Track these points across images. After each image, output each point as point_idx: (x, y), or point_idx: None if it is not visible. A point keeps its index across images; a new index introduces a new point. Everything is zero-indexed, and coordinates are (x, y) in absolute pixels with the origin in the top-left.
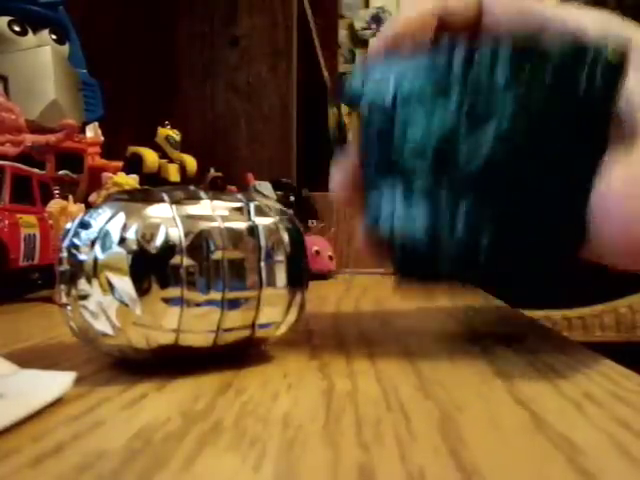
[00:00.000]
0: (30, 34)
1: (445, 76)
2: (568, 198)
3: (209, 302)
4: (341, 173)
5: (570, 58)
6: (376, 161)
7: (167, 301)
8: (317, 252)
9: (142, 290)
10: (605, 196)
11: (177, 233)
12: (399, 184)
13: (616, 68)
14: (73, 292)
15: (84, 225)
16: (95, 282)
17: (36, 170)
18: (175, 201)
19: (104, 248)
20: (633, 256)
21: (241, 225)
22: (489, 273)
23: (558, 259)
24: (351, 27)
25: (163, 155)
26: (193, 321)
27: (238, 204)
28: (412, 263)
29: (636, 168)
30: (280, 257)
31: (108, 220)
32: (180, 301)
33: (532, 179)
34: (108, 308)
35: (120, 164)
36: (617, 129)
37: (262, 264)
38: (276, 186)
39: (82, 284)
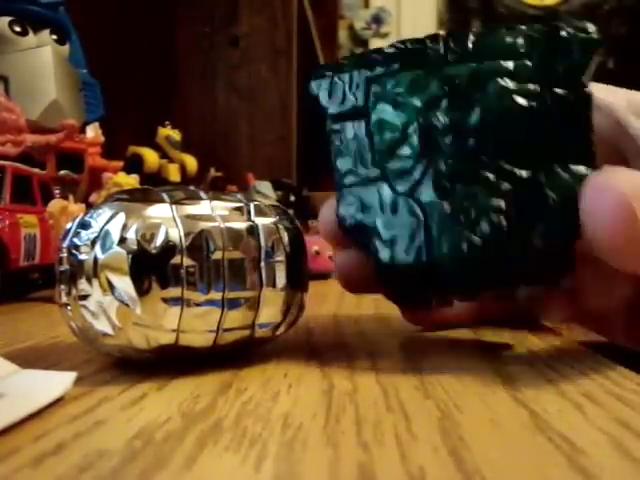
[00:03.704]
0: (31, 34)
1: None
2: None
3: (209, 302)
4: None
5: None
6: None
7: (167, 301)
8: (317, 252)
9: (142, 290)
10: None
11: (177, 233)
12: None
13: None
14: (73, 292)
15: (84, 225)
16: (95, 282)
17: (37, 170)
18: (175, 201)
19: (104, 248)
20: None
21: (241, 225)
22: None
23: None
24: (351, 27)
25: (163, 155)
26: (193, 321)
27: (238, 204)
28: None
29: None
30: (280, 257)
31: (108, 220)
32: (180, 301)
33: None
34: (108, 308)
35: (120, 164)
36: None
37: (262, 264)
38: (276, 186)
39: (82, 284)
